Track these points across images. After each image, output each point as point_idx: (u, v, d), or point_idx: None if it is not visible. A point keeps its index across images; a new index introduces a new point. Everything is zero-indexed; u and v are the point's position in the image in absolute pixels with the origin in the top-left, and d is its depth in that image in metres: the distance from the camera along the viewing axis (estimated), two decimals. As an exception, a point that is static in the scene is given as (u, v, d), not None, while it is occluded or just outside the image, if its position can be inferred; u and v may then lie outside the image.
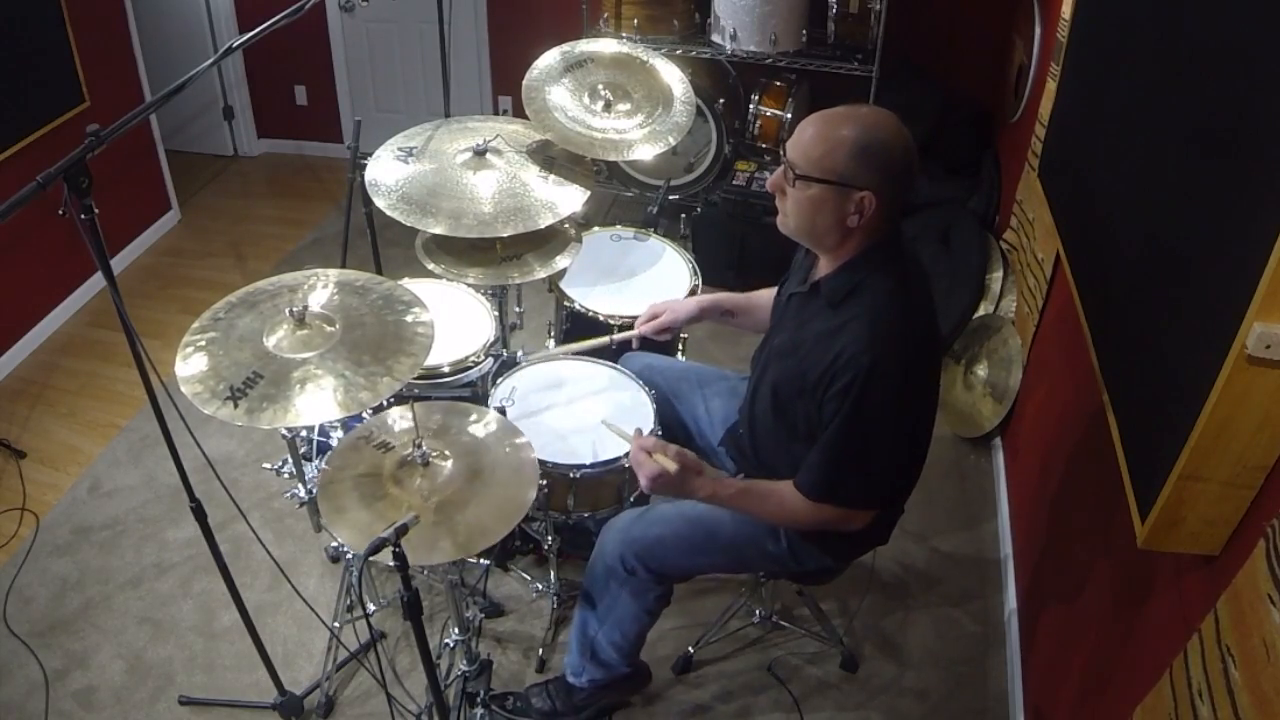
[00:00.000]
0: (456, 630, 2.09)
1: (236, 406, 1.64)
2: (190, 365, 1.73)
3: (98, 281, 3.92)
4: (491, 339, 2.33)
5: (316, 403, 1.67)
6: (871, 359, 1.59)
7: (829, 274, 1.72)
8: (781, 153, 1.70)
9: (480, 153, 2.37)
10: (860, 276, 1.68)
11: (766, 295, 2.14)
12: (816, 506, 1.74)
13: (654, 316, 2.19)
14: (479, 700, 2.17)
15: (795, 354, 1.75)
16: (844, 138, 1.58)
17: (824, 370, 1.65)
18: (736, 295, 2.20)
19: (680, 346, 2.56)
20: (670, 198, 3.67)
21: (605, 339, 2.27)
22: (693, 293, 2.51)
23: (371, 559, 1.49)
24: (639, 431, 1.90)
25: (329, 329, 1.81)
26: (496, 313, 2.42)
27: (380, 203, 2.25)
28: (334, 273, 1.98)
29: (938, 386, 1.83)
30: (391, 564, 1.50)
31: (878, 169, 1.58)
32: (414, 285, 2.47)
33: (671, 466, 1.74)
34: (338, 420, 2.18)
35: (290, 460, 2.15)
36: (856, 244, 1.68)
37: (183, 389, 1.68)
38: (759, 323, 2.12)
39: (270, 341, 1.78)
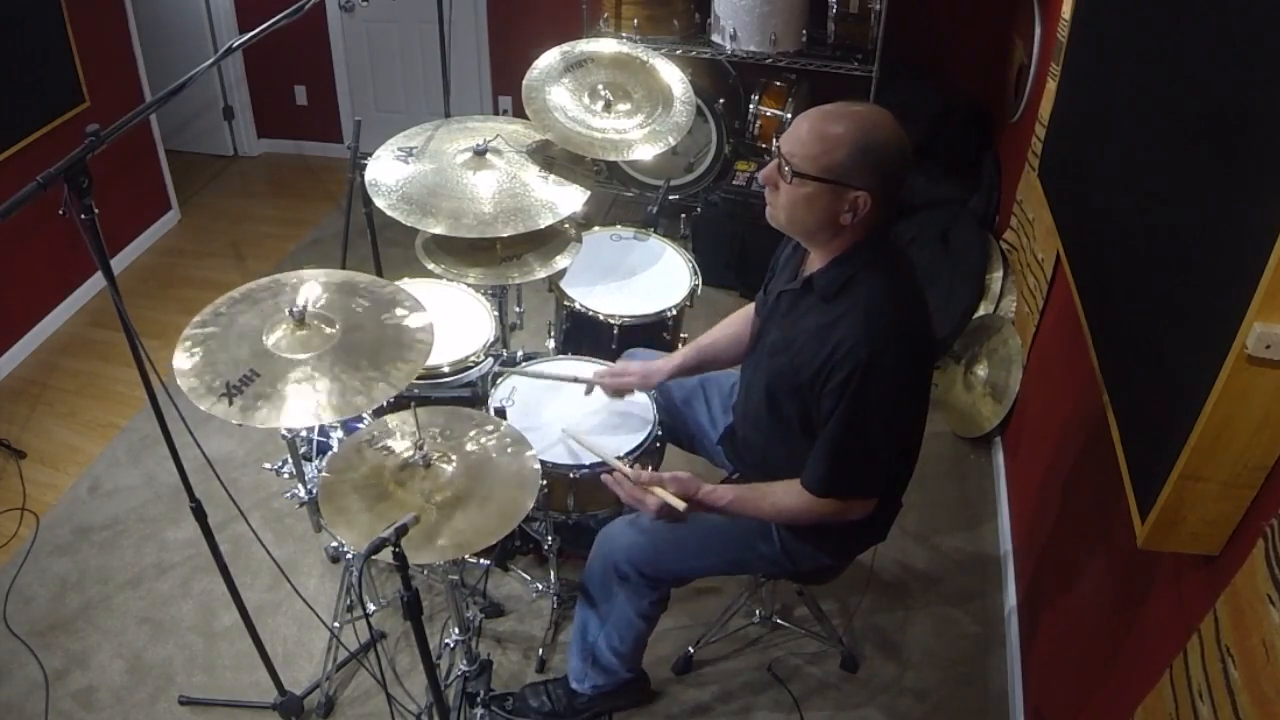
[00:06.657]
0: (456, 630, 2.09)
1: (231, 404, 1.63)
2: (188, 360, 1.71)
3: (98, 281, 3.92)
4: (491, 339, 2.33)
5: (311, 405, 1.66)
6: (870, 351, 1.59)
7: (821, 268, 1.71)
8: (775, 146, 1.69)
9: (480, 153, 2.37)
10: (854, 269, 1.67)
11: (729, 326, 2.13)
12: (820, 501, 1.74)
13: (623, 374, 2.16)
14: (479, 700, 2.17)
15: (788, 350, 1.75)
16: (842, 137, 1.56)
17: (821, 364, 1.65)
18: (702, 343, 2.15)
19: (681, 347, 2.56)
20: (670, 198, 3.67)
21: (573, 377, 2.24)
22: (692, 293, 2.52)
23: (372, 559, 1.49)
24: (639, 467, 1.92)
25: (328, 330, 1.81)
26: (496, 313, 2.42)
27: (380, 203, 2.25)
28: (339, 274, 1.97)
29: (932, 374, 1.83)
30: (391, 564, 1.50)
31: (875, 170, 1.57)
32: (414, 285, 2.48)
33: (680, 505, 1.77)
34: (338, 421, 2.17)
35: (290, 460, 2.15)
36: (849, 239, 1.67)
37: (179, 382, 1.67)
38: (735, 357, 2.10)
39: (269, 340, 1.77)
